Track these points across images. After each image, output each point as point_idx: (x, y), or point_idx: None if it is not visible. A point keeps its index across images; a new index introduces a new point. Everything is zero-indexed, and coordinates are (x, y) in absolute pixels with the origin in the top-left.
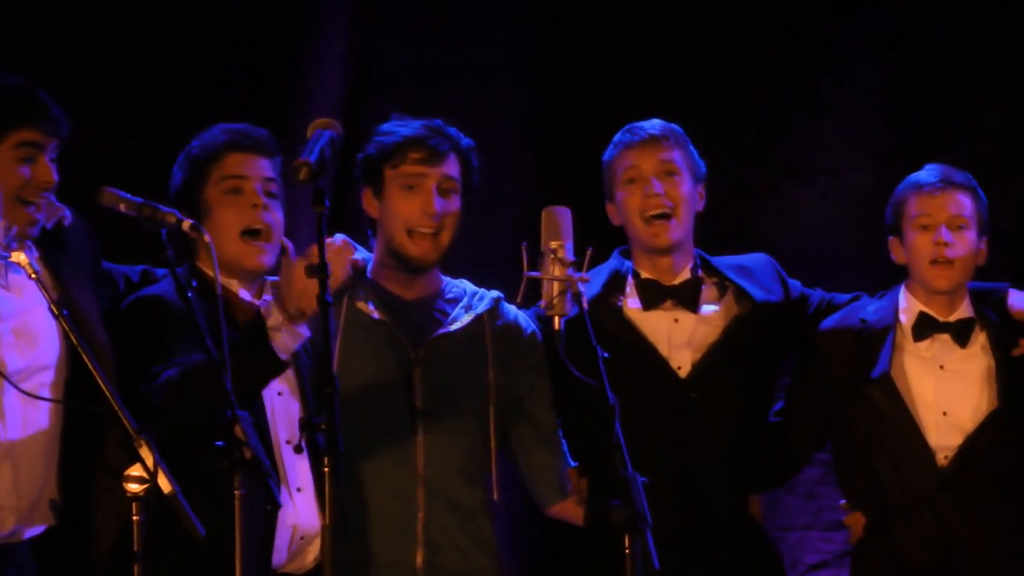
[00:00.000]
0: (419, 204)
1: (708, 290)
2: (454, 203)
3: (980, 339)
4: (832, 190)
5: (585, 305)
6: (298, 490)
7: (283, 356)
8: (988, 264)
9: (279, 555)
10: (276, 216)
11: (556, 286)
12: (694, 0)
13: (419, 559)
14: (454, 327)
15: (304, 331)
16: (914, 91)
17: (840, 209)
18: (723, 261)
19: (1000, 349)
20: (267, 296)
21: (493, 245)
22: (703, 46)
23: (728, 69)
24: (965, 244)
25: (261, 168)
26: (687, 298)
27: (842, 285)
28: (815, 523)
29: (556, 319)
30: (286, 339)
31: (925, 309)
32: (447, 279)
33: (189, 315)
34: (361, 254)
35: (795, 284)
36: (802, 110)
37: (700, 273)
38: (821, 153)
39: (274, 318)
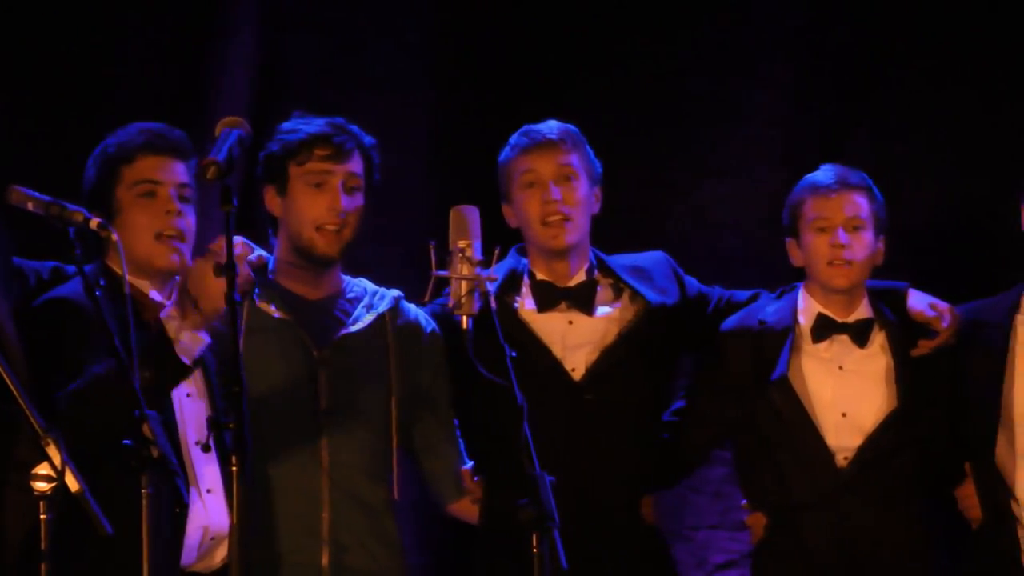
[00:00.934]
0: (326, 201)
1: (603, 292)
2: (358, 200)
3: (879, 339)
4: (741, 189)
5: (493, 304)
6: (208, 491)
7: (187, 361)
8: (895, 263)
9: (189, 555)
10: (189, 221)
11: (464, 285)
12: (601, 1)
13: (325, 558)
14: (356, 327)
15: (206, 337)
16: (823, 91)
17: (749, 208)
18: (619, 261)
19: (899, 349)
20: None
21: (401, 244)
22: (613, 46)
23: (637, 68)
24: (862, 245)
25: (176, 172)
26: (582, 300)
27: (751, 284)
28: (723, 522)
29: (464, 318)
30: (188, 344)
31: (823, 310)
32: (347, 278)
33: (98, 315)
34: (260, 253)
35: (692, 282)
36: (711, 110)
37: (596, 274)
38: (730, 153)
39: (174, 325)
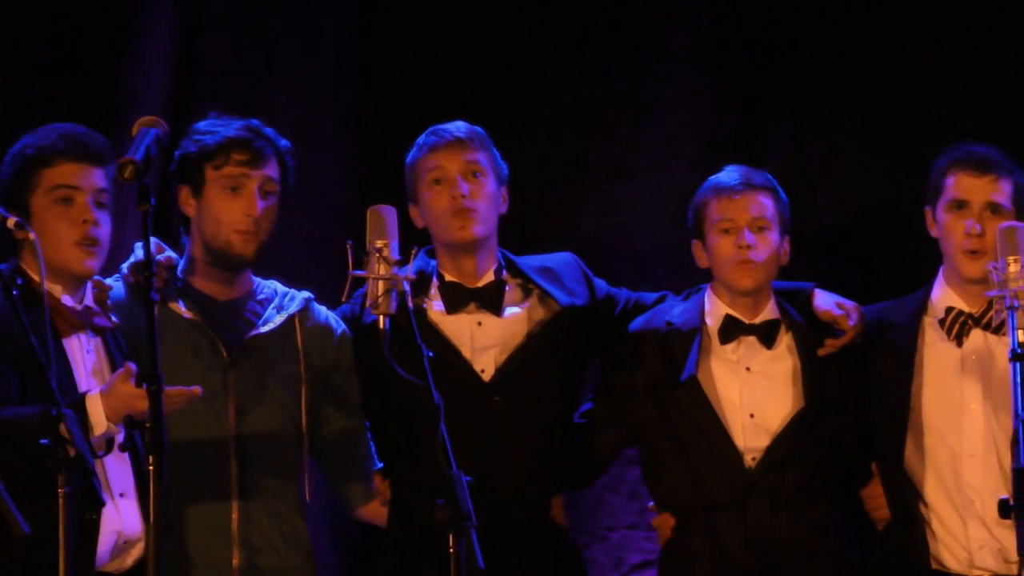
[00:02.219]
0: (242, 206)
1: (512, 292)
2: (272, 204)
3: (785, 340)
4: (654, 189)
5: (410, 304)
6: (121, 495)
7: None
8: (804, 263)
9: (101, 558)
10: (104, 228)
11: (381, 285)
12: (516, 2)
13: (236, 559)
14: (266, 328)
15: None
16: (736, 91)
17: (662, 208)
18: (528, 262)
19: (805, 349)
20: (88, 300)
21: (318, 244)
22: (527, 45)
23: (551, 68)
24: (768, 245)
25: (94, 179)
26: (490, 301)
27: (663, 284)
28: (639, 523)
29: (381, 318)
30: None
31: (730, 311)
32: (258, 280)
33: (14, 316)
34: (169, 254)
35: (601, 284)
36: (624, 110)
37: (504, 275)
38: (643, 153)
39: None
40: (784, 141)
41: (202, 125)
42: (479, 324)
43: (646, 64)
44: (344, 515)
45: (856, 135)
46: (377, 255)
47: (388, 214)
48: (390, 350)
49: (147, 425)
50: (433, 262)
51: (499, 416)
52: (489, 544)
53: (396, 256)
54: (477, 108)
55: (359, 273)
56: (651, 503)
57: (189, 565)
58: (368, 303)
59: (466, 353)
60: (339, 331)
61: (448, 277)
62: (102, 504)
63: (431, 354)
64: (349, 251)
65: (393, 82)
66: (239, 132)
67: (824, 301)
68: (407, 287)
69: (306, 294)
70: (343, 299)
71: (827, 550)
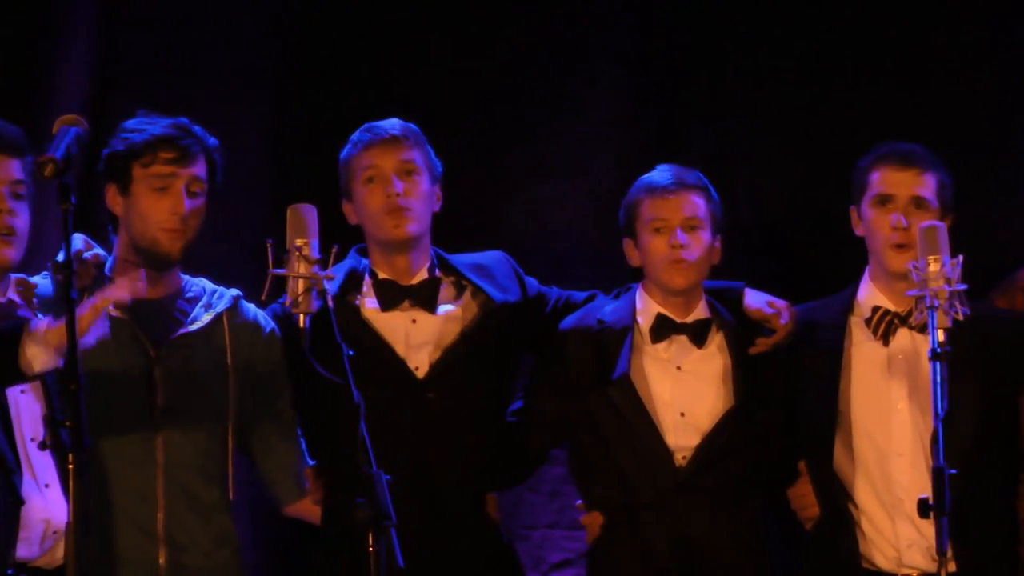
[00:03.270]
0: (169, 204)
1: (446, 290)
2: (200, 203)
3: (716, 339)
4: (577, 189)
5: (331, 303)
6: (46, 486)
7: (27, 372)
8: (732, 262)
9: (32, 549)
10: (22, 218)
11: (301, 284)
12: (439, 1)
13: (162, 558)
14: (194, 327)
15: (59, 362)
16: (658, 90)
17: (585, 208)
18: (460, 260)
19: (736, 349)
20: (11, 294)
21: (239, 243)
22: (450, 44)
23: (473, 68)
24: (700, 245)
25: (9, 169)
26: (424, 298)
27: (586, 285)
28: (559, 522)
29: (301, 317)
30: (36, 359)
31: (662, 310)
32: (187, 278)
33: None
34: (96, 251)
35: (532, 282)
36: (547, 109)
37: (437, 272)
38: (566, 152)
39: (37, 337)
40: (706, 140)
41: (130, 123)
42: (413, 321)
43: (568, 64)
44: (269, 512)
45: (778, 134)
46: (297, 254)
47: (308, 213)
48: (313, 349)
49: (67, 424)
50: (365, 261)
51: (434, 413)
52: (425, 540)
53: (316, 255)
54: (399, 107)
55: (279, 272)
56: (579, 501)
57: (115, 563)
58: (288, 302)
59: (400, 350)
60: (268, 329)
61: (382, 275)
62: (21, 502)
63: (351, 352)
64: (269, 250)
65: (317, 80)
66: (167, 130)
67: (755, 300)
68: (328, 286)
69: (235, 292)
70: (262, 298)
71: (755, 549)
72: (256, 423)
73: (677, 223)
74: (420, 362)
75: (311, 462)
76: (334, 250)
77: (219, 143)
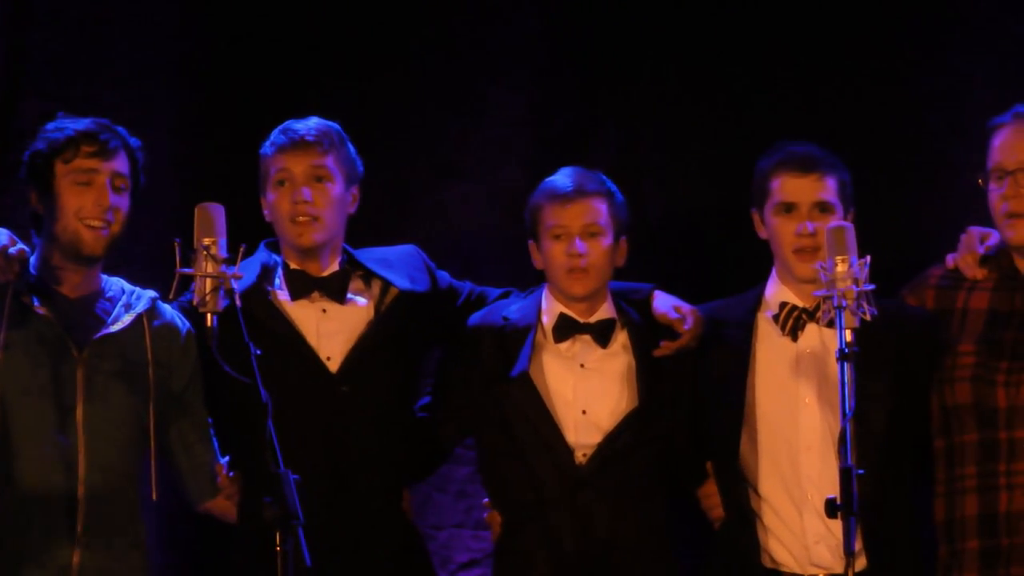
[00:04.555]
0: (93, 198)
1: (355, 283)
2: (124, 200)
3: (621, 339)
4: (485, 191)
5: (238, 302)
6: None
7: None
8: (634, 261)
9: None
10: None
11: (209, 282)
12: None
13: (76, 558)
14: (116, 327)
15: None
16: (566, 91)
17: (493, 209)
18: (369, 254)
19: (641, 349)
20: None
21: (147, 242)
22: (358, 44)
23: (382, 68)
24: (599, 251)
25: None
26: (334, 289)
27: (495, 285)
28: (466, 521)
29: (208, 316)
30: None
31: (565, 310)
32: (105, 277)
33: None
34: (21, 247)
35: (443, 275)
36: (456, 110)
37: (347, 266)
38: (474, 154)
39: None
40: (614, 141)
41: (51, 125)
42: (324, 312)
43: (476, 64)
44: (177, 512)
45: (685, 135)
46: (205, 253)
47: (216, 212)
48: (221, 347)
49: None
50: (275, 256)
51: (346, 406)
52: (340, 536)
53: (224, 254)
54: (308, 106)
55: (187, 271)
56: (486, 500)
57: (28, 564)
58: (195, 300)
59: (312, 341)
60: (185, 330)
61: (293, 265)
62: None
63: (259, 352)
64: (177, 249)
65: (226, 79)
66: (88, 126)
67: (662, 304)
68: (235, 285)
69: (152, 293)
70: (170, 297)
71: (659, 547)
72: (173, 422)
73: (576, 231)
74: (332, 353)
75: (224, 460)
76: (242, 249)
77: (140, 143)
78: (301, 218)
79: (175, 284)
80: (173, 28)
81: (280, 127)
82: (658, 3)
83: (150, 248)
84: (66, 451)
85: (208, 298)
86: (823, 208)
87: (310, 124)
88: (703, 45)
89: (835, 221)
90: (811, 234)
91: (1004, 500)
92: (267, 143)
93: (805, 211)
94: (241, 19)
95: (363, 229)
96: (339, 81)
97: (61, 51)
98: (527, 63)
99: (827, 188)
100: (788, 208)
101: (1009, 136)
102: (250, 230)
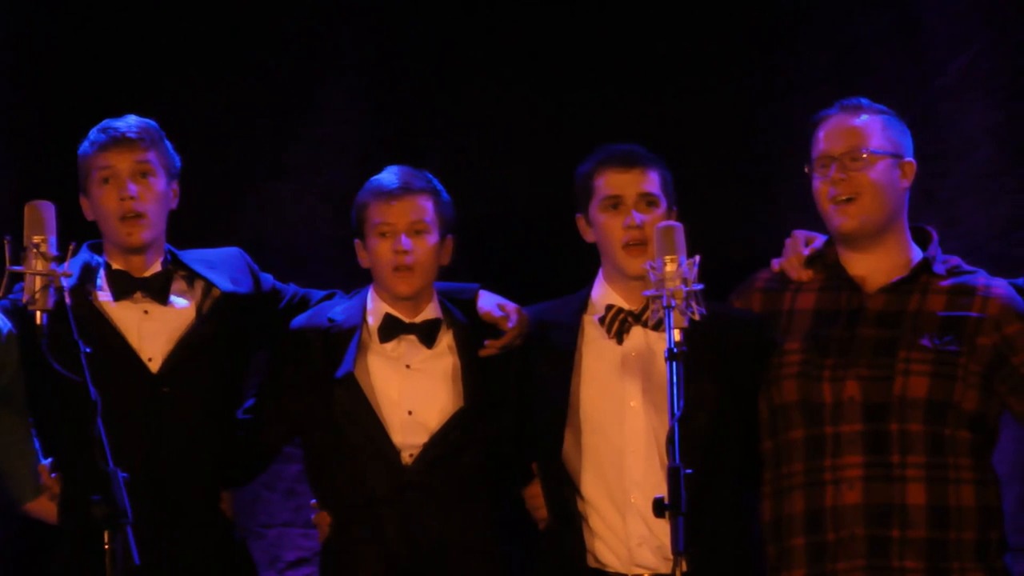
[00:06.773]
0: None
1: (178, 283)
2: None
3: (446, 339)
4: (315, 188)
5: (68, 300)
6: None
7: None
8: (464, 261)
9: None
10: None
11: (38, 280)
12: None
13: None
14: None
15: None
16: (399, 91)
17: (323, 207)
18: (192, 255)
19: (467, 349)
20: None
21: None
22: (193, 41)
23: (213, 65)
24: (425, 248)
25: None
26: (156, 290)
27: (324, 283)
28: (296, 520)
29: (38, 313)
30: None
31: (390, 311)
32: None
33: None
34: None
35: (267, 278)
36: (286, 108)
37: (170, 267)
38: (304, 152)
39: None
40: (445, 141)
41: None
42: (146, 312)
43: (308, 63)
44: (9, 512)
45: (515, 136)
46: (34, 251)
47: (46, 210)
48: (50, 345)
49: None
50: (98, 257)
51: (167, 407)
52: (159, 537)
53: (54, 252)
54: (137, 103)
55: (16, 268)
56: (314, 500)
57: None
58: (25, 299)
59: (133, 342)
60: (5, 330)
61: (115, 265)
62: None
63: (88, 350)
64: (7, 247)
65: (55, 75)
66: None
67: (487, 302)
68: (64, 283)
69: None
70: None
71: (486, 548)
72: None
73: (402, 228)
74: (154, 354)
75: (46, 460)
76: (71, 247)
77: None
78: (129, 215)
79: (4, 282)
80: (2, 23)
81: (98, 126)
82: (489, 7)
83: None
84: None
85: (38, 296)
86: (649, 201)
87: (130, 121)
88: (532, 46)
89: (663, 220)
90: (639, 226)
91: (830, 495)
92: (86, 142)
93: (631, 203)
94: (70, 14)
95: (193, 228)
96: (170, 77)
97: None
98: (359, 63)
99: (651, 180)
100: (615, 203)
101: (835, 124)
102: (83, 227)
